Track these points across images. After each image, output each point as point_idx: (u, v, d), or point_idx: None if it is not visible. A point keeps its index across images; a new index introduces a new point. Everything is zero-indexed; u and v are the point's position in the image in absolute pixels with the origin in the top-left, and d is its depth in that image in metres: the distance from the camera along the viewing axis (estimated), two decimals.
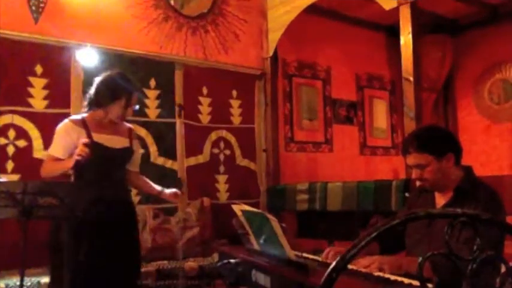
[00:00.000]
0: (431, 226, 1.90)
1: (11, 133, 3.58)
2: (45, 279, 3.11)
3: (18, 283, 2.62)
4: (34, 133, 3.65)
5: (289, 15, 4.69)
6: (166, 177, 4.25)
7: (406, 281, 1.46)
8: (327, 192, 4.11)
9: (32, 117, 3.66)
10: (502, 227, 0.84)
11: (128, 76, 2.68)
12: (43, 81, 3.74)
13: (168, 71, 4.40)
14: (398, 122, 6.24)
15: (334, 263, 0.73)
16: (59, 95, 3.80)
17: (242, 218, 2.05)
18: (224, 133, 4.69)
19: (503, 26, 5.67)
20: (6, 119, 3.57)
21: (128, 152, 2.65)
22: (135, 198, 3.98)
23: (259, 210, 1.96)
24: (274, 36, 4.89)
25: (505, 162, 5.60)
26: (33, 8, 3.74)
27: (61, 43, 3.81)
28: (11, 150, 3.57)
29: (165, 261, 3.57)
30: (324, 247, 2.12)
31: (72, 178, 2.61)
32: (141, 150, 2.89)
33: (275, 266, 1.72)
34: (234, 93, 4.80)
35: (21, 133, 3.62)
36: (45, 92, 3.74)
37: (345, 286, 1.27)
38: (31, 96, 3.69)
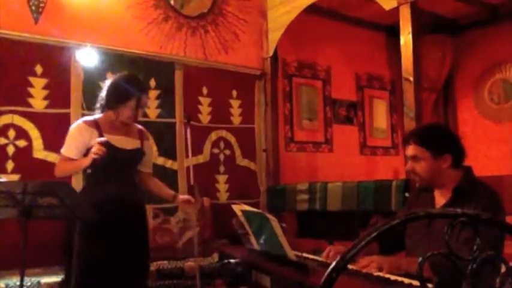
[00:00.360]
0: (431, 226, 1.90)
1: (11, 133, 3.58)
2: (45, 279, 3.11)
3: (18, 283, 2.62)
4: (34, 133, 3.65)
5: (289, 15, 4.69)
6: (166, 177, 4.25)
7: (406, 281, 1.46)
8: (327, 192, 4.11)
9: (32, 117, 3.66)
10: (502, 227, 0.84)
11: (137, 77, 2.70)
12: (43, 81, 3.73)
13: (168, 71, 4.40)
14: (398, 122, 6.24)
15: (334, 263, 0.73)
16: (59, 95, 3.80)
17: (242, 218, 2.05)
18: (224, 133, 4.68)
19: (503, 26, 5.67)
20: (6, 119, 3.57)
21: (138, 153, 2.68)
22: None
23: (259, 210, 1.96)
24: (274, 36, 4.89)
25: (505, 162, 5.60)
26: (33, 8, 3.74)
27: (61, 43, 3.81)
28: (11, 150, 3.57)
29: (165, 261, 3.57)
30: (324, 247, 2.11)
31: (83, 178, 2.64)
32: (154, 148, 2.91)
33: (275, 266, 1.72)
34: (234, 93, 4.80)
35: (21, 133, 3.62)
36: (45, 92, 3.74)
37: (345, 286, 1.28)
38: (31, 96, 3.69)
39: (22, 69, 3.67)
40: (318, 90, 5.59)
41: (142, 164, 2.75)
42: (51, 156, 3.70)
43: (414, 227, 1.96)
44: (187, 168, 4.38)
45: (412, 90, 3.61)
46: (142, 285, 2.70)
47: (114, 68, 3.97)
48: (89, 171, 2.60)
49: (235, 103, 4.79)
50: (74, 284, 2.45)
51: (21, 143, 3.61)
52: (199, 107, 4.55)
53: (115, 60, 4.03)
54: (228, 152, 4.69)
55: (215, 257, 3.63)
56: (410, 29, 3.62)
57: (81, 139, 2.53)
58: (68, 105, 3.82)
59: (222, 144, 4.66)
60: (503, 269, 0.83)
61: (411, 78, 3.61)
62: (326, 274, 0.72)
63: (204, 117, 4.56)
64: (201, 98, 4.57)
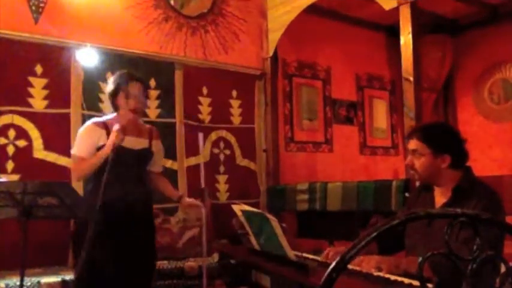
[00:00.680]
0: (430, 226, 1.90)
1: (11, 133, 3.58)
2: (45, 279, 3.11)
3: (18, 283, 2.62)
4: (34, 133, 3.65)
5: (289, 15, 4.69)
6: (166, 177, 4.24)
7: (406, 281, 1.46)
8: (327, 192, 4.11)
9: (32, 117, 3.66)
10: (502, 227, 0.84)
11: (124, 72, 2.71)
12: (43, 81, 3.74)
13: (168, 71, 4.40)
14: (398, 122, 6.24)
15: (334, 263, 0.73)
16: (59, 95, 3.80)
17: (242, 218, 2.05)
18: (224, 133, 4.69)
19: (503, 26, 5.67)
20: (6, 119, 3.57)
21: (146, 153, 2.68)
22: None
23: (259, 210, 1.96)
24: (274, 36, 4.89)
25: (505, 162, 5.60)
26: (33, 8, 3.74)
27: (61, 43, 3.81)
28: (11, 150, 3.57)
29: (165, 261, 3.57)
30: (324, 247, 2.12)
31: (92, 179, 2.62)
32: (161, 149, 2.86)
33: (275, 266, 1.72)
34: (234, 93, 4.80)
35: (21, 133, 3.62)
36: (45, 92, 3.74)
37: (345, 286, 1.28)
38: (31, 96, 3.69)
39: (22, 69, 3.67)
40: (318, 90, 5.59)
41: (151, 164, 2.76)
42: (51, 156, 3.70)
43: (414, 226, 1.96)
44: (188, 168, 4.39)
45: (412, 90, 3.61)
46: (148, 286, 2.70)
47: (114, 68, 3.96)
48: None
49: (235, 103, 4.79)
50: (80, 282, 2.47)
51: (21, 143, 3.61)
52: (199, 107, 4.55)
53: (115, 60, 4.03)
54: (228, 152, 4.69)
55: (215, 257, 3.63)
56: (410, 29, 3.62)
57: (90, 140, 2.56)
58: (68, 105, 3.82)
59: (222, 144, 4.66)
60: (503, 269, 0.84)
61: (411, 78, 3.61)
62: (326, 274, 0.72)
63: (204, 117, 4.56)
64: (201, 98, 4.57)
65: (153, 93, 4.28)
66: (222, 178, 4.62)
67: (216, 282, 3.48)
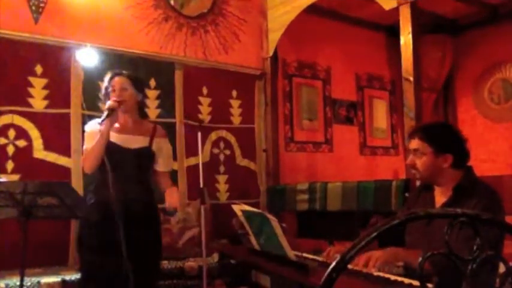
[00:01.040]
0: (430, 225, 1.90)
1: (11, 133, 3.58)
2: (45, 279, 3.11)
3: (18, 283, 2.62)
4: (34, 133, 3.65)
5: (289, 15, 4.69)
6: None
7: (406, 281, 1.46)
8: (327, 192, 4.11)
9: (32, 117, 3.66)
10: (502, 227, 0.84)
11: (112, 71, 2.72)
12: (43, 81, 3.74)
13: (168, 71, 4.40)
14: (398, 122, 6.24)
15: (334, 263, 0.73)
16: (59, 95, 3.80)
17: (242, 218, 2.05)
18: (224, 133, 4.69)
19: (503, 26, 5.67)
20: (6, 119, 3.57)
21: (144, 151, 2.63)
22: None
23: (259, 210, 1.96)
24: (274, 36, 4.89)
25: (505, 162, 5.60)
26: (33, 8, 3.74)
27: (61, 43, 3.81)
28: (11, 150, 3.57)
29: (165, 261, 3.57)
30: (324, 247, 2.11)
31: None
32: (165, 147, 2.76)
33: (275, 266, 1.72)
34: (234, 93, 4.80)
35: (21, 133, 3.62)
36: (45, 92, 3.74)
37: (345, 286, 1.28)
38: (31, 96, 3.69)
39: (22, 69, 3.67)
40: (318, 90, 5.59)
41: (156, 163, 2.71)
42: (51, 156, 3.70)
43: (414, 226, 1.96)
44: (188, 168, 4.39)
45: (412, 90, 3.61)
46: (152, 286, 2.68)
47: (114, 68, 3.97)
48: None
49: (235, 103, 4.79)
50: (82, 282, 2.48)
51: (21, 143, 3.61)
52: (199, 107, 4.55)
53: (115, 60, 4.03)
54: (228, 152, 4.69)
55: (215, 257, 3.63)
56: (410, 29, 3.62)
57: (96, 134, 2.57)
58: (68, 105, 3.82)
59: (222, 144, 4.66)
60: (502, 268, 0.84)
61: (411, 78, 3.61)
62: (326, 274, 0.72)
63: (204, 117, 4.55)
64: (201, 98, 4.57)
65: (153, 93, 4.28)
66: (222, 178, 4.62)
67: (216, 282, 3.48)
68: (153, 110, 4.25)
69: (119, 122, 2.62)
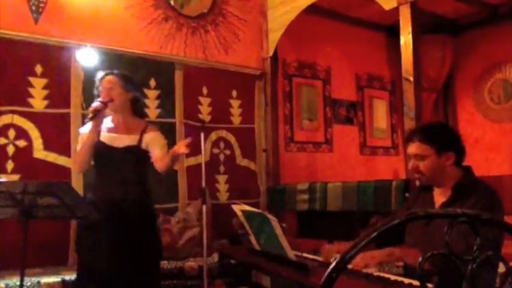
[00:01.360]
0: (430, 225, 1.90)
1: (11, 133, 3.58)
2: (45, 279, 3.11)
3: (18, 283, 2.62)
4: (34, 133, 3.65)
5: (289, 15, 4.69)
6: (166, 177, 4.25)
7: (406, 281, 1.46)
8: (327, 192, 4.11)
9: (32, 117, 3.66)
10: (501, 227, 0.84)
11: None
12: (43, 81, 3.73)
13: (168, 71, 4.40)
14: (398, 122, 6.24)
15: (334, 263, 0.73)
16: (59, 95, 3.80)
17: (242, 218, 2.05)
18: (224, 133, 4.68)
19: (503, 26, 5.67)
20: (6, 119, 3.57)
21: (131, 150, 2.58)
22: None
23: (259, 210, 1.96)
24: (274, 36, 4.89)
25: (505, 162, 5.60)
26: (33, 8, 3.74)
27: (61, 43, 3.81)
28: (11, 150, 3.57)
29: (165, 261, 3.57)
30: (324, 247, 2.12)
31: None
32: (157, 136, 2.68)
33: (275, 266, 1.72)
34: (234, 93, 4.80)
35: (21, 133, 3.62)
36: (45, 92, 3.74)
37: (345, 286, 1.28)
38: (31, 96, 3.69)
39: (22, 69, 3.67)
40: (318, 90, 5.59)
41: (152, 154, 2.63)
42: (51, 156, 3.70)
43: (414, 226, 1.96)
44: (188, 168, 4.39)
45: (412, 90, 3.61)
46: (151, 286, 2.64)
47: (114, 68, 3.96)
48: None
49: (235, 103, 4.79)
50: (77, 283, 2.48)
51: (21, 143, 3.61)
52: (199, 107, 4.55)
53: (115, 60, 4.03)
54: (228, 152, 4.69)
55: (215, 257, 3.63)
56: (410, 29, 3.62)
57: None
58: (68, 105, 3.82)
59: (222, 144, 4.66)
60: (502, 268, 0.83)
61: (411, 78, 3.61)
62: (326, 274, 0.72)
63: (204, 117, 4.55)
64: (201, 98, 4.57)
65: (153, 93, 4.28)
66: (222, 178, 4.62)
67: (216, 282, 3.48)
68: (153, 110, 4.25)
69: (112, 121, 2.62)
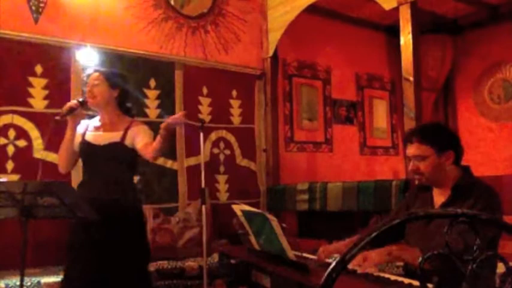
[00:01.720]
0: (429, 225, 1.90)
1: (11, 133, 3.58)
2: (45, 279, 3.11)
3: (18, 283, 2.62)
4: (34, 133, 3.65)
5: (289, 15, 4.69)
6: (166, 177, 4.26)
7: (406, 281, 1.46)
8: (327, 192, 4.11)
9: (32, 117, 3.66)
10: (500, 226, 0.84)
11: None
12: (43, 81, 3.74)
13: (168, 71, 4.40)
14: (398, 122, 6.24)
15: (334, 263, 0.73)
16: (59, 95, 3.79)
17: (242, 218, 2.05)
18: (224, 133, 4.69)
19: (503, 26, 5.67)
20: (6, 119, 3.57)
21: (113, 147, 2.50)
22: None
23: (259, 210, 1.96)
24: (274, 36, 4.89)
25: (505, 162, 5.60)
26: (33, 8, 3.74)
27: (61, 43, 3.81)
28: (11, 150, 3.57)
29: (165, 261, 3.57)
30: None
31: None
32: (142, 128, 2.58)
33: (275, 266, 1.72)
34: (234, 93, 4.80)
35: (21, 133, 3.62)
36: (45, 92, 3.74)
37: (345, 286, 1.28)
38: (31, 96, 3.69)
39: (22, 69, 3.67)
40: (318, 90, 5.59)
41: (137, 146, 2.52)
42: (51, 156, 3.69)
43: (413, 226, 1.96)
44: (188, 168, 4.39)
45: (412, 90, 3.61)
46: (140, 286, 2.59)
47: (114, 68, 3.97)
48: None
49: (235, 103, 4.79)
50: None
51: (21, 143, 3.61)
52: (199, 107, 4.55)
53: (115, 60, 4.03)
54: (228, 152, 4.69)
55: (215, 257, 3.63)
56: (410, 29, 3.62)
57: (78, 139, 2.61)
58: None
59: (222, 144, 4.66)
60: (502, 268, 0.83)
61: (411, 78, 3.61)
62: (326, 274, 0.72)
63: (204, 117, 4.55)
64: (201, 98, 4.57)
65: (153, 93, 4.28)
66: (222, 178, 4.62)
67: (216, 282, 3.48)
68: (153, 110, 4.25)
69: (98, 120, 2.60)
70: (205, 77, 4.60)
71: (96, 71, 2.65)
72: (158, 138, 2.48)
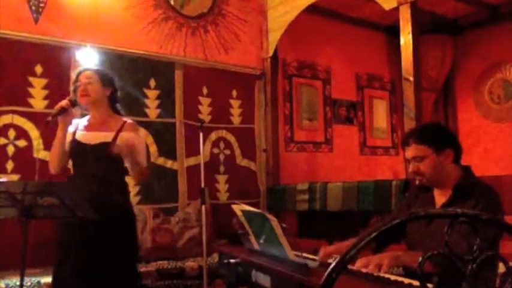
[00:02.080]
0: (430, 225, 1.90)
1: (11, 133, 3.58)
2: (45, 279, 3.11)
3: (18, 283, 2.62)
4: (34, 133, 3.65)
5: (289, 15, 4.69)
6: (166, 177, 4.26)
7: (406, 281, 1.46)
8: (327, 192, 4.11)
9: (32, 117, 3.66)
10: (501, 226, 0.84)
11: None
12: (43, 81, 3.74)
13: (168, 71, 4.40)
14: (398, 122, 6.24)
15: (334, 263, 0.73)
16: (59, 95, 3.78)
17: (242, 218, 2.05)
18: (224, 133, 4.69)
19: (503, 26, 5.67)
20: (6, 119, 3.57)
21: (105, 147, 2.45)
22: (135, 199, 3.98)
23: (259, 210, 1.96)
24: (274, 36, 4.89)
25: (505, 162, 5.60)
26: (33, 8, 3.74)
27: (61, 43, 3.81)
28: (11, 150, 3.57)
29: (165, 261, 3.57)
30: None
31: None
32: (133, 139, 2.51)
33: (275, 266, 1.72)
34: (234, 93, 4.80)
35: (21, 133, 3.62)
36: (45, 92, 3.74)
37: (345, 286, 1.28)
38: (31, 96, 3.69)
39: (22, 69, 3.67)
40: (318, 90, 5.59)
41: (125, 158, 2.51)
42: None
43: (414, 226, 1.96)
44: (188, 169, 4.39)
45: (412, 90, 3.61)
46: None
47: (114, 68, 3.97)
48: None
49: (235, 103, 4.79)
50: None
51: (21, 143, 3.61)
52: (199, 107, 4.55)
53: (115, 60, 4.04)
54: (228, 152, 4.69)
55: (215, 257, 3.63)
56: (410, 29, 3.62)
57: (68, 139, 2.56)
58: None
59: (222, 144, 4.66)
60: (502, 268, 0.83)
61: (411, 78, 3.61)
62: (326, 274, 0.72)
63: (204, 117, 4.55)
64: (201, 98, 4.57)
65: (153, 93, 4.28)
66: (222, 178, 4.62)
67: (216, 282, 3.48)
68: (153, 110, 4.25)
69: (89, 119, 2.56)
70: (205, 77, 4.60)
71: (87, 69, 2.61)
72: (131, 173, 2.52)
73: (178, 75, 4.45)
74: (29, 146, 3.63)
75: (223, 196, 4.60)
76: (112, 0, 4.13)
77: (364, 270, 1.63)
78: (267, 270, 1.76)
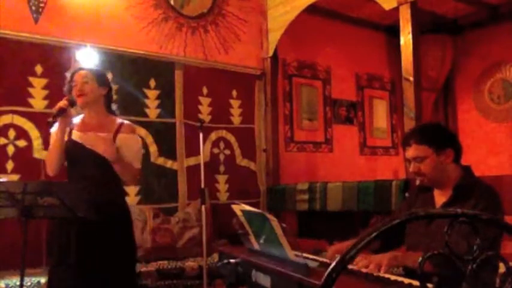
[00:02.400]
0: (430, 225, 1.90)
1: (11, 133, 3.58)
2: (45, 279, 3.11)
3: (18, 283, 2.62)
4: (34, 133, 3.65)
5: (289, 15, 4.69)
6: (166, 177, 4.26)
7: (406, 281, 1.46)
8: (327, 192, 4.11)
9: (32, 117, 3.66)
10: (501, 226, 0.84)
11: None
12: (43, 81, 3.74)
13: (168, 71, 4.40)
14: (398, 122, 6.24)
15: (334, 263, 0.73)
16: (59, 95, 3.77)
17: (242, 218, 2.05)
18: (224, 133, 4.69)
19: (503, 26, 5.67)
20: (6, 119, 3.57)
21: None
22: (135, 198, 3.98)
23: (259, 210, 1.96)
24: (274, 36, 4.89)
25: (505, 162, 5.60)
26: (33, 8, 3.74)
27: (61, 43, 3.81)
28: (11, 150, 3.57)
29: (165, 261, 3.57)
30: (324, 247, 2.12)
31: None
32: (130, 144, 2.51)
33: (275, 266, 1.72)
34: (234, 93, 4.80)
35: (21, 133, 3.62)
36: (45, 92, 3.74)
37: (345, 286, 1.28)
38: (31, 96, 3.69)
39: (22, 69, 3.67)
40: (318, 90, 5.59)
41: None
42: None
43: (414, 226, 1.96)
44: (188, 168, 4.39)
45: (412, 90, 3.61)
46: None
47: (114, 68, 3.98)
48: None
49: (235, 103, 4.79)
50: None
51: (21, 143, 3.61)
52: (199, 107, 4.55)
53: (115, 60, 4.04)
54: (228, 152, 4.69)
55: (215, 257, 3.63)
56: (410, 29, 3.62)
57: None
58: None
59: (222, 144, 4.66)
60: (502, 268, 0.84)
61: (411, 78, 3.61)
62: (326, 274, 0.72)
63: (204, 117, 4.55)
64: (201, 98, 4.57)
65: (153, 93, 4.28)
66: (222, 178, 4.62)
67: (216, 282, 3.48)
68: (153, 110, 4.25)
69: (84, 119, 2.54)
70: (205, 77, 4.60)
71: (81, 68, 2.61)
72: (121, 174, 2.48)
73: (178, 75, 4.45)
74: (29, 146, 3.63)
75: (223, 196, 4.60)
76: (112, 0, 4.13)
77: (364, 270, 1.63)
78: (267, 270, 1.76)
